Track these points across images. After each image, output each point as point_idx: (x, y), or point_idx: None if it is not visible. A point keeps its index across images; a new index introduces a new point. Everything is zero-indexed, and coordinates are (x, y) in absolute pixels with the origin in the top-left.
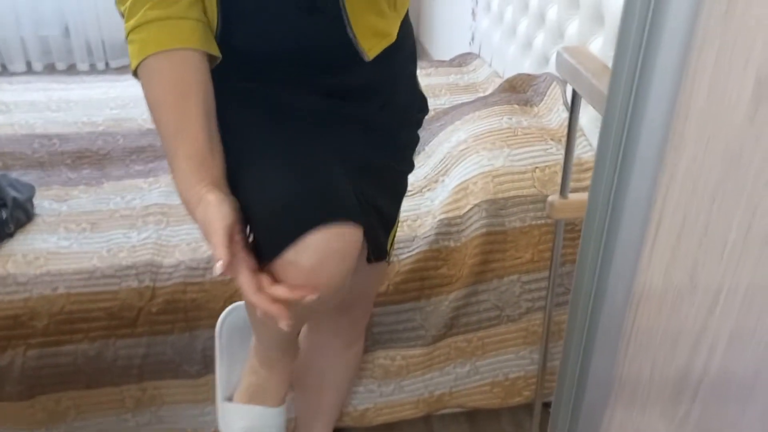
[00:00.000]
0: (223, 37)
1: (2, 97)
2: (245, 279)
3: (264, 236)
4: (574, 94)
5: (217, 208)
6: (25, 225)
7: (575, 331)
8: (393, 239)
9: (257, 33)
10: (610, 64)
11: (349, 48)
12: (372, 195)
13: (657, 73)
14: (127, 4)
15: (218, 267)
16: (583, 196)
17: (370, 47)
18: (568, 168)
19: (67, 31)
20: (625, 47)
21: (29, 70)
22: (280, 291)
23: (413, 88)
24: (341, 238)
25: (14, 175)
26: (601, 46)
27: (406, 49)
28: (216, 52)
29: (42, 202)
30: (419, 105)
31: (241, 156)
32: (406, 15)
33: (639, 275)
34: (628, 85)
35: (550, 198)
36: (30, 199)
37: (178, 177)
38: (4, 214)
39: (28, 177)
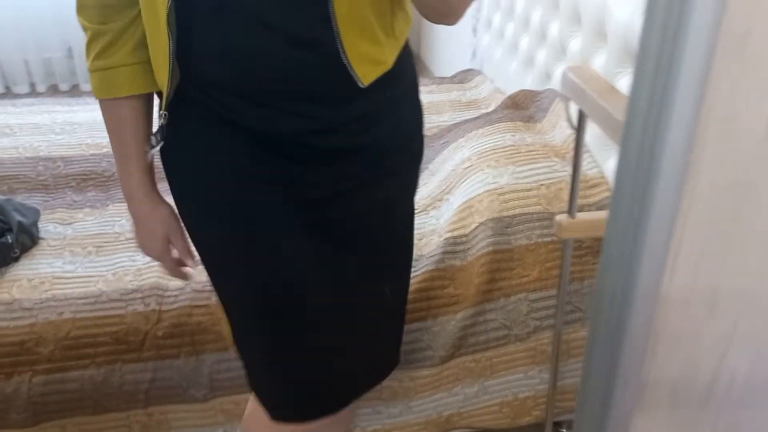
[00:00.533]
0: (196, 77)
1: (7, 120)
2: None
3: (265, 398)
4: (580, 113)
5: (177, 217)
6: (30, 249)
7: (595, 366)
8: None
9: (243, 69)
10: (614, 81)
11: (343, 75)
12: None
13: (677, 103)
14: (84, 46)
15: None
16: (591, 215)
17: (365, 74)
18: (575, 188)
19: (70, 53)
20: (643, 73)
21: (33, 92)
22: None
23: (416, 120)
24: (339, 424)
25: (19, 198)
26: (605, 63)
27: (405, 78)
28: (156, 87)
29: (47, 226)
30: (420, 141)
31: (229, 272)
32: (407, 46)
33: (659, 304)
34: (646, 112)
35: (557, 218)
36: (35, 223)
37: (132, 181)
38: (10, 239)
39: (32, 200)
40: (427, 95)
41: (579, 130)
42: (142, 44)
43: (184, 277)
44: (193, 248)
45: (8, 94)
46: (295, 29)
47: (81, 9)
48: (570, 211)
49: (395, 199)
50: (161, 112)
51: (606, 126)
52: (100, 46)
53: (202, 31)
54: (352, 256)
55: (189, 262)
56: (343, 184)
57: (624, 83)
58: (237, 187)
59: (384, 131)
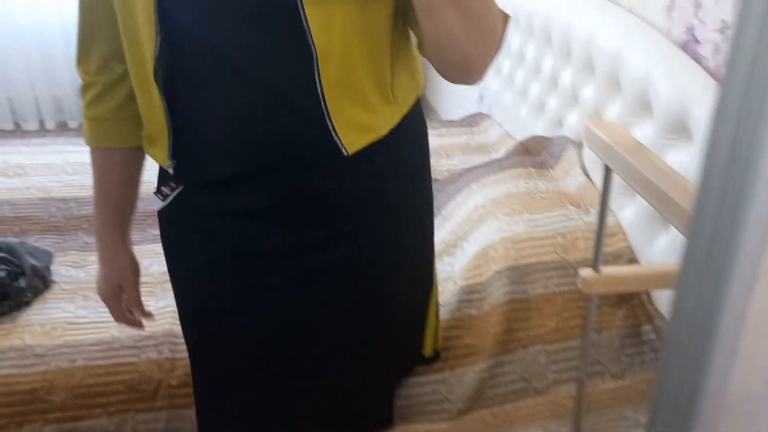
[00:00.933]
0: (182, 135)
1: (19, 160)
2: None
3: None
4: (606, 169)
5: (136, 270)
6: (43, 293)
7: None
8: (435, 333)
9: (226, 125)
10: (632, 132)
11: (326, 139)
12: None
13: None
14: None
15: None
16: (618, 270)
17: (351, 141)
18: (599, 243)
19: (80, 91)
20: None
21: (42, 128)
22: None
23: (415, 192)
24: None
25: (31, 240)
26: (619, 112)
27: (402, 148)
28: (135, 142)
29: (59, 269)
30: (422, 209)
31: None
32: (414, 113)
33: (744, 323)
34: (717, 204)
35: (582, 272)
36: (48, 267)
37: (101, 223)
38: (23, 283)
39: (44, 242)
40: (436, 138)
41: (605, 186)
42: (131, 99)
43: (131, 324)
44: (144, 302)
45: (17, 130)
46: (280, 88)
47: (80, 61)
48: (594, 266)
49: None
50: (169, 162)
51: (635, 183)
52: (89, 97)
53: (186, 88)
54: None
55: (136, 313)
56: (319, 253)
57: (638, 133)
58: (207, 259)
59: (374, 209)
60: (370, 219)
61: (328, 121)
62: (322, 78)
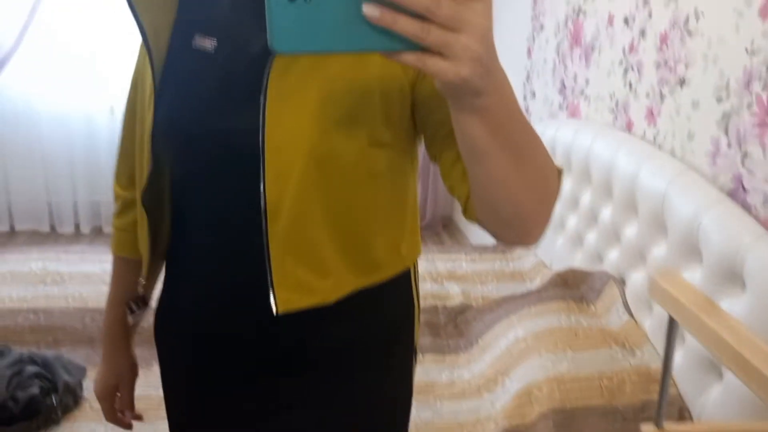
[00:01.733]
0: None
1: (58, 268)
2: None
3: None
4: (671, 323)
5: (134, 373)
6: (72, 410)
7: None
8: None
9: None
10: (675, 268)
11: (263, 293)
12: None
13: None
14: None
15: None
16: (682, 427)
17: (286, 300)
18: (664, 396)
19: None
20: None
21: (77, 233)
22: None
23: (369, 390)
24: None
25: (64, 351)
26: (665, 255)
27: (364, 326)
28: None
29: (90, 384)
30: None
31: None
32: (394, 284)
33: None
34: None
35: (644, 429)
36: (80, 383)
37: (106, 325)
38: (54, 400)
39: (77, 354)
40: (469, 263)
41: (669, 340)
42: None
43: (120, 424)
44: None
45: (52, 234)
46: (231, 233)
47: (116, 177)
48: (657, 422)
49: None
50: (141, 280)
51: (708, 342)
52: (117, 209)
53: (176, 214)
54: None
55: (127, 414)
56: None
57: (687, 278)
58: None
59: (301, 380)
60: (306, 403)
61: (268, 274)
62: (269, 232)
